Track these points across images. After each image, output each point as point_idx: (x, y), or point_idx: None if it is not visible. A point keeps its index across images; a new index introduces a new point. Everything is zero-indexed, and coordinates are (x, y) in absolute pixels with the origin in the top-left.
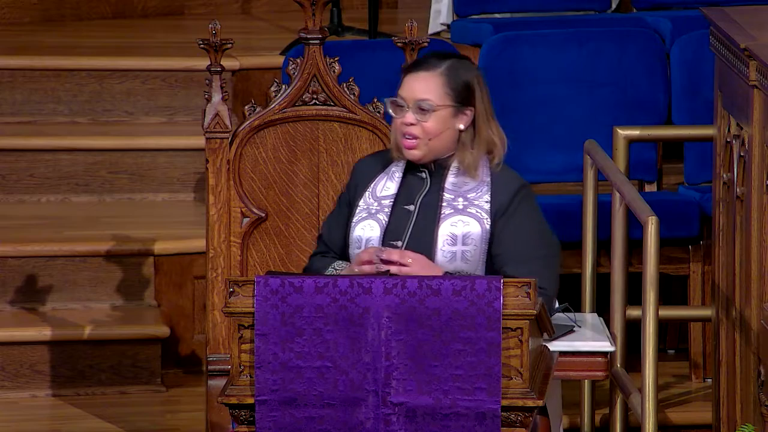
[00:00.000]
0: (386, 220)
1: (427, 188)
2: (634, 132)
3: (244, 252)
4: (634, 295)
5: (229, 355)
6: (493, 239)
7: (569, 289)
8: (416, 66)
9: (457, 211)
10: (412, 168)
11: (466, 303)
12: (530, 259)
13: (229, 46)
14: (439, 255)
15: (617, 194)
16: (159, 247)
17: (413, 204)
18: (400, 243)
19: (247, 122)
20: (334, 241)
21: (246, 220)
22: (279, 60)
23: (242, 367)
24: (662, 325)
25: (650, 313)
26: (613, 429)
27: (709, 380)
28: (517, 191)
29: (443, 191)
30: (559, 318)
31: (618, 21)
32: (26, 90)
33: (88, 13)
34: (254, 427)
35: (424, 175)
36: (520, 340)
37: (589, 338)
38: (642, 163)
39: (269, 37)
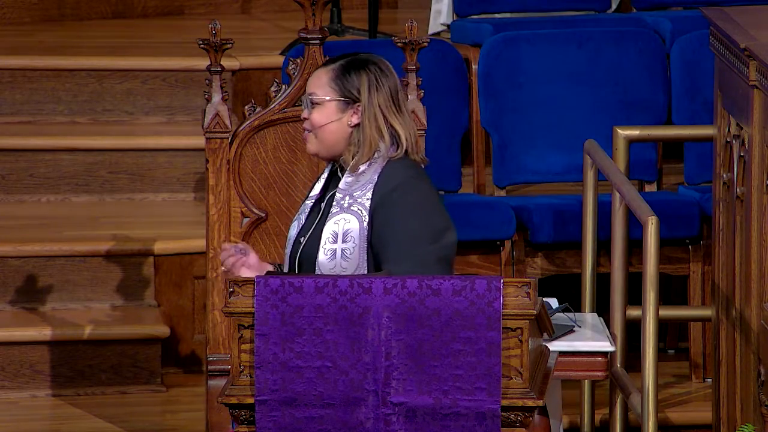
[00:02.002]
0: (305, 219)
1: (337, 187)
2: (634, 132)
3: None
4: (634, 295)
5: (229, 355)
6: (371, 236)
7: (569, 289)
8: (320, 65)
9: (342, 209)
10: (335, 168)
11: (466, 303)
12: (410, 257)
13: (229, 46)
14: (321, 253)
15: (617, 194)
16: (159, 247)
17: (324, 202)
18: (303, 239)
19: (247, 122)
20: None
21: (246, 220)
22: (279, 60)
23: (242, 367)
24: (662, 325)
25: (650, 313)
26: (613, 429)
27: (709, 380)
28: (396, 186)
29: (338, 190)
30: (559, 318)
31: (618, 21)
32: (26, 90)
33: (88, 13)
34: (254, 427)
35: (340, 174)
36: (520, 340)
37: (589, 338)
38: (642, 163)
39: (269, 37)
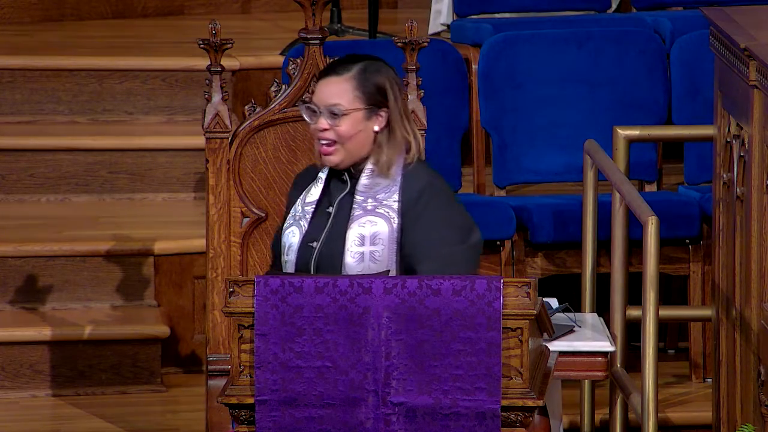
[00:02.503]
0: (306, 225)
1: (347, 191)
2: (634, 132)
3: (244, 252)
4: (634, 295)
5: (229, 355)
6: (402, 239)
7: (569, 289)
8: (327, 71)
9: (367, 212)
10: (335, 172)
11: (466, 303)
12: (440, 257)
13: (229, 46)
14: (348, 256)
15: (617, 194)
16: (159, 247)
17: (332, 206)
18: (315, 244)
19: (247, 122)
20: (275, 248)
21: (246, 220)
22: (279, 60)
23: (242, 367)
24: (662, 325)
25: (650, 313)
26: (613, 429)
27: (709, 380)
28: (423, 188)
29: (356, 193)
30: (559, 318)
31: (618, 21)
32: (26, 90)
33: (88, 13)
34: (254, 427)
35: (345, 177)
36: (520, 340)
37: (589, 338)
38: (642, 163)
39: (269, 37)
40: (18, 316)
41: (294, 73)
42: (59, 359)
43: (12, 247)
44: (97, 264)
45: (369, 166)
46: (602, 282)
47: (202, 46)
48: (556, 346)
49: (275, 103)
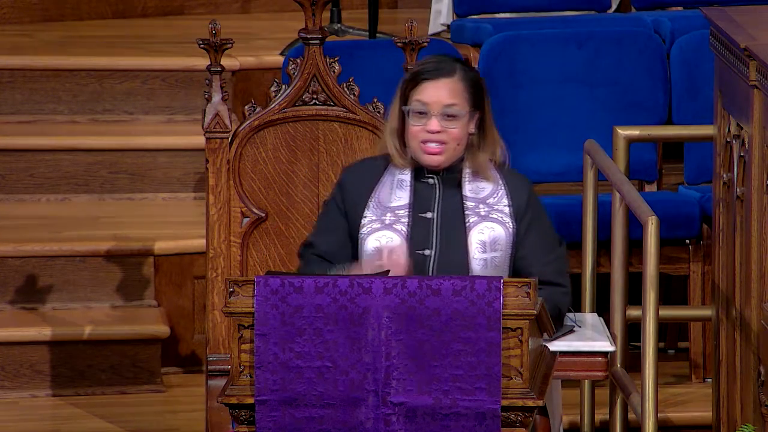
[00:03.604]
0: (406, 230)
1: (440, 195)
2: (634, 132)
3: (244, 252)
4: (634, 295)
5: (229, 355)
6: (517, 243)
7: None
8: (435, 72)
9: (481, 218)
10: (418, 175)
11: (466, 303)
12: (552, 259)
13: (229, 46)
14: (474, 264)
15: (617, 194)
16: (159, 247)
17: (430, 211)
18: (428, 251)
19: (247, 122)
20: (331, 253)
21: (246, 220)
22: (279, 60)
23: (242, 367)
24: (662, 325)
25: (650, 313)
26: (613, 429)
27: (709, 380)
28: (530, 191)
29: (465, 199)
30: None
31: (618, 21)
32: (26, 90)
33: (88, 13)
34: (254, 427)
35: (432, 181)
36: (520, 340)
37: (589, 338)
38: (642, 163)
39: (269, 37)
40: (18, 316)
41: (294, 73)
42: (59, 359)
43: (12, 247)
44: (97, 264)
45: (466, 169)
46: (602, 282)
47: (202, 46)
48: (556, 346)
49: (275, 103)
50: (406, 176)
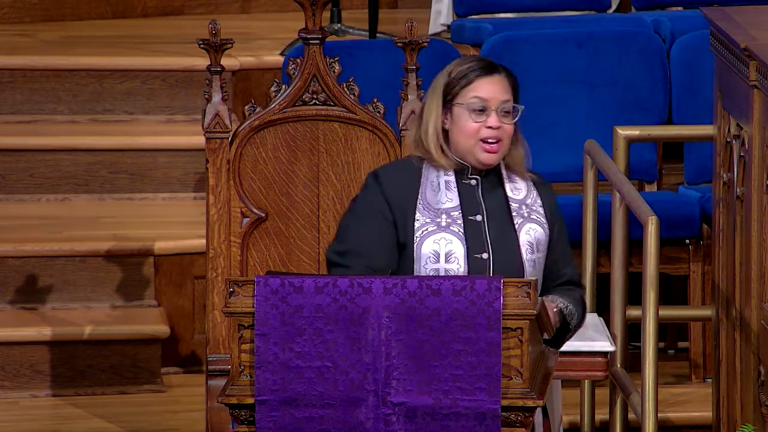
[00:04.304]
0: (462, 232)
1: (482, 195)
2: (634, 132)
3: (244, 252)
4: (634, 295)
5: (229, 355)
6: (551, 245)
7: None
8: (488, 69)
9: (525, 219)
10: (459, 175)
11: (466, 303)
12: (572, 259)
13: (229, 46)
14: (527, 265)
15: (617, 194)
16: (159, 247)
17: (480, 214)
18: (485, 255)
19: (247, 122)
20: (377, 257)
21: (246, 220)
22: (279, 60)
23: (242, 367)
24: (662, 325)
25: (650, 313)
26: (613, 429)
27: (709, 380)
28: (554, 194)
29: (509, 200)
30: None
31: (618, 21)
32: (26, 90)
33: (88, 13)
34: (254, 427)
35: (474, 182)
36: (520, 340)
37: (589, 338)
38: (642, 163)
39: (269, 37)
40: (18, 316)
41: (294, 73)
42: (59, 359)
43: (12, 247)
44: (97, 264)
45: (503, 169)
46: (602, 282)
47: (202, 46)
48: None
49: (275, 103)
50: (451, 177)
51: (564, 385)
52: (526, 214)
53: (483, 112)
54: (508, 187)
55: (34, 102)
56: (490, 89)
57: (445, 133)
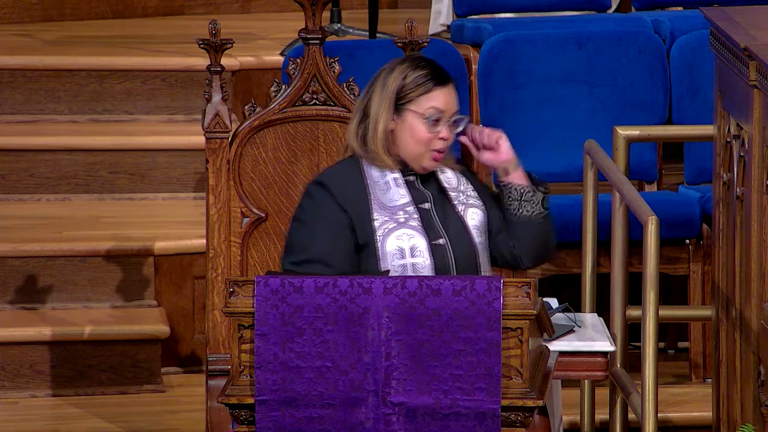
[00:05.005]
0: (420, 225)
1: (422, 187)
2: (634, 132)
3: (244, 252)
4: (634, 295)
5: (229, 355)
6: (490, 222)
7: (569, 289)
8: (445, 79)
9: (466, 205)
10: (401, 172)
11: (466, 303)
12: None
13: (229, 46)
14: (479, 249)
15: (617, 194)
16: (159, 247)
17: (427, 202)
18: (442, 240)
19: (247, 122)
20: (337, 262)
21: (246, 220)
22: (279, 60)
23: (242, 367)
24: (662, 325)
25: (650, 313)
26: (613, 429)
27: (709, 380)
28: (478, 177)
29: (446, 189)
30: (559, 318)
31: (618, 21)
32: (26, 90)
33: (88, 13)
34: (254, 427)
35: (412, 177)
36: (520, 340)
37: (589, 338)
38: (642, 163)
39: (269, 37)
40: (18, 316)
41: (294, 73)
42: (59, 359)
43: (12, 247)
44: (97, 264)
45: None
46: (602, 282)
47: (202, 46)
48: (556, 346)
49: (275, 103)
50: (397, 174)
51: (564, 385)
52: (464, 200)
53: (438, 122)
54: (441, 177)
55: (34, 102)
56: (446, 100)
57: (389, 133)
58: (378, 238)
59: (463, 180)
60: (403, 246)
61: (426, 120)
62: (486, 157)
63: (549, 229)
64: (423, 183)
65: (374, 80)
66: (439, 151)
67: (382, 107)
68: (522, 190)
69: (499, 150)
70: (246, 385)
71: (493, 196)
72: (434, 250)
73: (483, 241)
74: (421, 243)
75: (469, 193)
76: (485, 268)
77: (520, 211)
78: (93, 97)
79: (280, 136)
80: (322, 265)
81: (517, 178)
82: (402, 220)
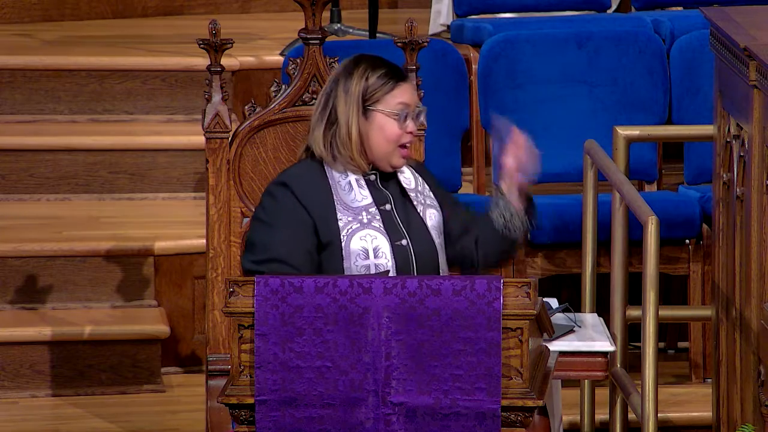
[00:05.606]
0: (383, 226)
1: (384, 188)
2: (634, 132)
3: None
4: (634, 295)
5: (229, 355)
6: (447, 221)
7: (569, 289)
8: (403, 74)
9: (425, 206)
10: (362, 173)
11: (466, 303)
12: (463, 206)
13: (229, 46)
14: (439, 250)
15: (617, 194)
16: (159, 247)
17: (388, 203)
18: (404, 241)
19: (247, 122)
20: (298, 261)
21: (246, 220)
22: (279, 60)
23: (242, 367)
24: (662, 325)
25: (650, 313)
26: (613, 429)
27: (709, 380)
28: (430, 171)
29: (406, 190)
30: (559, 318)
31: (618, 21)
32: (26, 90)
33: (88, 13)
34: (254, 427)
35: (373, 177)
36: (520, 340)
37: (589, 338)
38: (642, 163)
39: (269, 37)
40: (18, 316)
41: (294, 73)
42: (59, 359)
43: (12, 247)
44: (97, 264)
45: None
46: (602, 282)
47: (202, 46)
48: (556, 346)
49: (275, 103)
50: (357, 175)
51: (564, 385)
52: (423, 201)
53: (405, 117)
54: (400, 178)
55: (34, 102)
56: (410, 94)
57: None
58: (343, 237)
59: (420, 180)
60: (367, 246)
61: (397, 117)
62: (511, 164)
63: (519, 246)
64: (383, 183)
65: (332, 87)
66: (406, 146)
67: (351, 112)
68: (515, 213)
69: (521, 169)
70: (246, 385)
71: (444, 194)
72: (396, 252)
73: (441, 242)
74: (383, 244)
75: (426, 194)
76: (444, 269)
77: (505, 225)
78: (93, 97)
79: (280, 136)
80: (283, 264)
81: (515, 200)
82: (365, 221)
